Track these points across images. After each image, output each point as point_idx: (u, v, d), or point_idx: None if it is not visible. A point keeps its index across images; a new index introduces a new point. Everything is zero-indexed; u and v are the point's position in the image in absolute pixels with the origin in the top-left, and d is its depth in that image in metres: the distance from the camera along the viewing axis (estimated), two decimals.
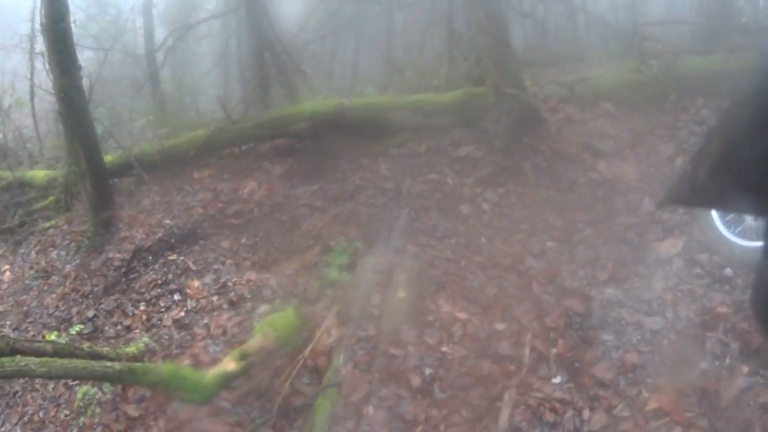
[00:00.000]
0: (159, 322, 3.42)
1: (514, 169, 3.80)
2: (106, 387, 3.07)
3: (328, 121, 4.58)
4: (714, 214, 3.43)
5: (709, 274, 3.09)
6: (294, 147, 4.79)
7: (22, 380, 3.48)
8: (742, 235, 3.34)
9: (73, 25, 4.58)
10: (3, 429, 3.36)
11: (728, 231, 3.37)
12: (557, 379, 2.67)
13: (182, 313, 3.41)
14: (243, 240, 3.93)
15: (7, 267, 4.95)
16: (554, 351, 2.74)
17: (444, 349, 2.82)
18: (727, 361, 2.69)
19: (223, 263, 3.74)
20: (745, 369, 2.61)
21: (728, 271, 3.08)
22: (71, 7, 4.51)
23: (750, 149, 1.15)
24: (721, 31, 6.23)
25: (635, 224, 3.43)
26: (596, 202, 3.60)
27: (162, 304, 3.56)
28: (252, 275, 3.54)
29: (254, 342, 2.90)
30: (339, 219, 3.78)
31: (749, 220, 3.42)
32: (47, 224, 5.36)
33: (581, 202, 3.61)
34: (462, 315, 2.97)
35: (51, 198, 5.69)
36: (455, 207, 3.59)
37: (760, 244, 3.28)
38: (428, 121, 4.24)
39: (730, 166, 1.20)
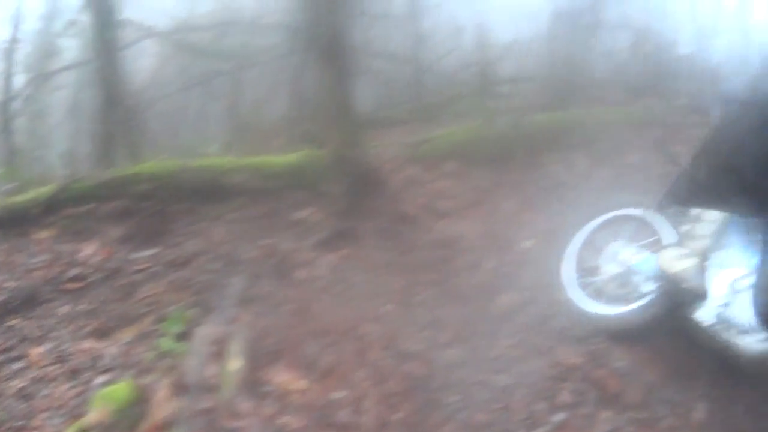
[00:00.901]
0: (2, 392, 3.70)
1: (352, 232, 4.47)
2: None
3: (168, 182, 5.31)
4: (565, 270, 4.12)
5: (556, 328, 3.80)
6: (135, 208, 5.39)
7: None
8: (594, 296, 4.00)
9: None
10: None
11: (578, 291, 4.03)
12: None
13: (25, 383, 3.73)
14: (81, 306, 4.33)
15: None
16: (397, 416, 3.18)
17: (283, 419, 3.18)
18: (584, 409, 3.22)
19: (62, 330, 4.13)
20: (605, 414, 3.17)
21: (577, 326, 3.80)
22: None
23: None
24: (574, 87, 8.04)
25: (477, 283, 4.13)
26: (437, 262, 4.33)
27: (4, 373, 3.85)
28: (90, 343, 3.89)
29: (92, 416, 3.25)
30: (175, 285, 4.26)
31: (601, 280, 4.04)
32: None
33: (421, 264, 4.31)
34: (299, 384, 3.37)
35: None
36: (291, 272, 4.12)
37: (611, 309, 3.86)
38: (267, 183, 5.03)
39: (729, 166, 1.95)
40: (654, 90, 8.21)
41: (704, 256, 3.70)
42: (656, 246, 4.01)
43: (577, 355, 3.58)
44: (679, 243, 3.83)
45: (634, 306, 3.89)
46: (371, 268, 4.24)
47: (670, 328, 3.72)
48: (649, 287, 3.86)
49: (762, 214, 3.35)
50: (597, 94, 7.94)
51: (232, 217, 4.95)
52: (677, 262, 3.72)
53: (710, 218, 3.72)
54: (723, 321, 3.54)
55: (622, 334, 3.77)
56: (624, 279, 4.04)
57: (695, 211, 3.77)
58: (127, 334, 3.94)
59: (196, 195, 5.07)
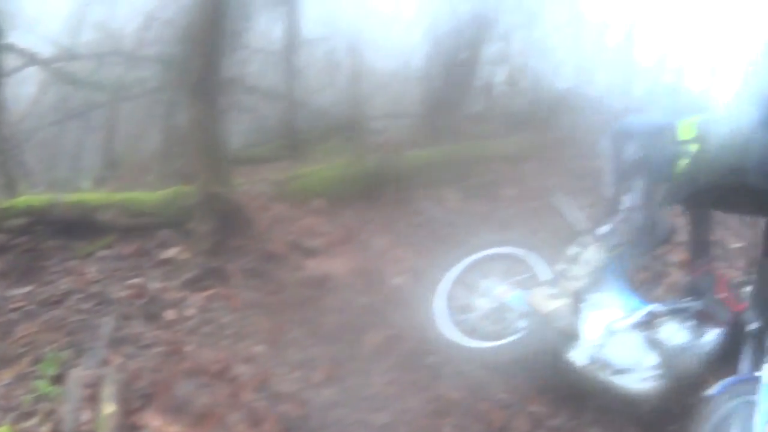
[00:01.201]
0: None
1: (220, 271, 4.74)
2: None
3: (42, 217, 5.38)
4: (437, 307, 4.58)
5: (432, 364, 4.21)
6: (9, 244, 5.39)
7: None
8: (467, 332, 4.45)
9: None
10: None
11: (451, 327, 4.48)
12: None
13: None
14: None
15: None
16: None
17: None
18: None
19: None
20: None
21: (453, 361, 4.22)
22: None
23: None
24: (450, 122, 8.70)
25: (348, 321, 4.50)
26: (306, 301, 4.67)
27: None
28: None
29: None
30: (49, 325, 4.37)
31: (474, 316, 4.54)
32: None
33: (291, 303, 4.64)
34: (173, 428, 3.57)
35: None
36: (161, 313, 4.35)
37: (484, 344, 4.34)
38: (137, 221, 5.23)
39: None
40: (531, 124, 8.96)
41: (578, 296, 4.20)
42: (530, 283, 4.51)
43: (457, 389, 4.01)
44: (553, 282, 4.31)
45: (506, 341, 4.37)
46: (240, 307, 4.57)
47: (552, 361, 4.19)
48: (522, 324, 4.36)
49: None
50: (473, 130, 8.61)
51: (103, 254, 5.14)
52: (549, 301, 4.20)
53: (587, 259, 4.24)
54: (597, 362, 4.02)
55: (500, 368, 4.24)
56: (497, 315, 4.54)
57: (573, 251, 4.30)
58: (6, 376, 4.03)
59: (69, 231, 5.25)
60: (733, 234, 6.27)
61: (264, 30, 10.78)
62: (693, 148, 4.24)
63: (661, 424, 4.01)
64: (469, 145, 7.78)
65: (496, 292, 4.58)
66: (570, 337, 4.15)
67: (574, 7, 11.28)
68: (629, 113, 5.13)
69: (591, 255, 4.24)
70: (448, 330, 4.51)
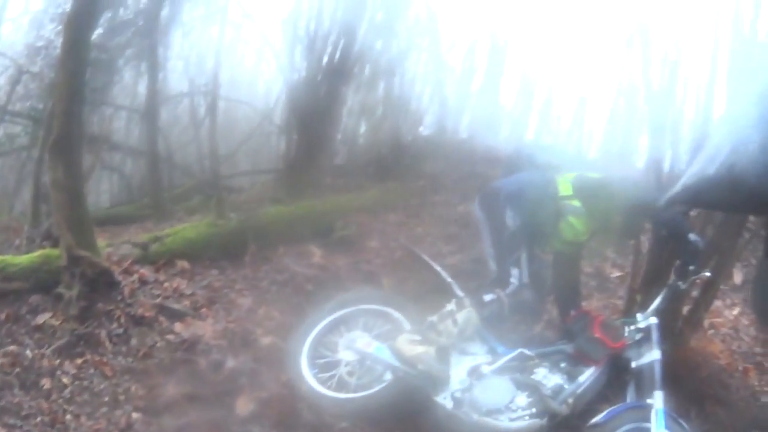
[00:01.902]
0: None
1: (90, 337, 4.94)
2: None
3: None
4: (303, 363, 4.92)
5: (309, 421, 4.55)
6: None
7: None
8: (335, 384, 4.82)
9: None
10: None
11: (317, 382, 4.83)
12: None
13: None
14: None
15: None
16: None
17: None
18: None
19: None
20: None
21: (326, 415, 4.59)
22: None
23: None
24: (312, 176, 9.16)
25: (221, 383, 4.81)
26: (177, 365, 4.94)
27: None
28: None
29: None
30: None
31: (339, 369, 4.89)
32: None
33: (162, 368, 4.89)
34: None
35: None
36: (37, 381, 4.49)
37: (352, 395, 4.68)
38: (7, 285, 5.29)
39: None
40: (395, 173, 9.44)
41: (445, 342, 4.59)
42: (392, 334, 4.90)
43: None
44: (418, 330, 4.70)
45: (374, 390, 4.76)
46: (112, 374, 4.81)
47: (422, 406, 4.59)
48: (387, 374, 4.74)
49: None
50: (336, 183, 9.05)
51: None
52: (412, 346, 4.56)
53: (461, 320, 4.65)
54: (466, 404, 4.39)
55: (372, 416, 4.64)
56: (362, 366, 4.92)
57: (449, 308, 4.72)
58: None
59: None
60: (612, 264, 6.90)
61: (128, 86, 11.06)
62: (575, 203, 4.74)
63: None
64: (332, 199, 8.25)
65: (359, 345, 4.93)
66: (436, 380, 4.51)
67: (435, 55, 11.76)
68: (498, 176, 5.56)
69: (466, 317, 4.66)
70: (317, 386, 4.87)
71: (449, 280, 4.99)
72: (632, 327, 4.42)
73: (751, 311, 5.11)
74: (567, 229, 4.79)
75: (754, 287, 3.79)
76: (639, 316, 4.46)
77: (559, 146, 10.30)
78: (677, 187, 3.61)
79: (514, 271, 4.69)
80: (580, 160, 5.59)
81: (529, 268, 4.72)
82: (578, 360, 4.44)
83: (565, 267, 5.15)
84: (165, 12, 10.39)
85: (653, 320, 4.35)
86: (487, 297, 4.70)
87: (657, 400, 3.93)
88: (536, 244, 4.82)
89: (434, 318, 4.65)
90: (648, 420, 3.90)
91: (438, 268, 5.10)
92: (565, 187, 4.79)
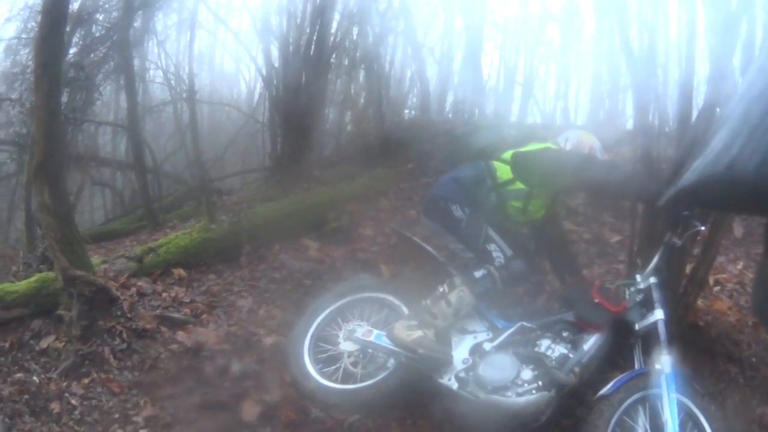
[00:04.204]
0: None
1: (94, 356, 4.92)
2: None
3: None
4: (307, 360, 4.92)
5: (318, 417, 4.54)
6: None
7: None
8: (340, 376, 4.82)
9: None
10: None
11: (321, 376, 4.83)
12: None
13: None
14: None
15: None
16: None
17: None
18: None
19: None
20: None
21: (335, 409, 4.59)
22: None
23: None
24: (300, 170, 9.10)
25: (228, 387, 4.81)
26: (183, 373, 4.93)
27: None
28: None
29: None
30: None
31: (342, 361, 4.89)
32: None
33: (168, 378, 4.88)
34: None
35: None
36: (46, 406, 4.47)
37: (357, 386, 4.69)
38: (8, 313, 5.27)
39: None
40: (382, 159, 9.45)
41: (442, 324, 4.58)
42: (390, 320, 4.92)
43: None
44: (414, 315, 4.69)
45: (378, 378, 4.75)
46: (120, 390, 4.78)
47: (427, 388, 4.59)
48: (390, 360, 4.75)
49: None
50: (325, 174, 9.03)
51: None
52: (411, 331, 4.54)
53: (455, 300, 4.60)
54: (471, 383, 4.38)
55: (381, 406, 4.65)
56: (365, 355, 4.91)
57: (441, 289, 4.68)
58: None
59: None
60: (610, 229, 6.93)
61: (109, 101, 11.06)
62: (517, 186, 4.74)
63: None
64: (322, 191, 8.23)
65: (359, 335, 4.90)
66: (439, 362, 4.51)
67: (412, 38, 11.75)
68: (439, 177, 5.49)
69: (458, 297, 4.62)
70: (323, 380, 4.86)
71: (442, 260, 4.89)
72: (632, 289, 4.37)
73: (751, 312, 5.03)
74: (517, 213, 4.82)
75: (755, 287, 3.78)
76: (638, 277, 4.39)
77: (503, 124, 10.16)
78: (675, 188, 3.60)
79: (491, 247, 4.68)
80: (529, 132, 5.49)
81: (505, 239, 4.71)
82: (580, 328, 4.41)
83: (545, 235, 5.18)
84: (137, 23, 10.31)
85: (652, 279, 4.29)
86: (478, 273, 4.65)
87: (665, 364, 3.88)
88: (498, 220, 4.83)
89: (427, 301, 4.65)
90: (658, 386, 3.85)
91: (430, 249, 5.01)
92: (503, 171, 4.79)
